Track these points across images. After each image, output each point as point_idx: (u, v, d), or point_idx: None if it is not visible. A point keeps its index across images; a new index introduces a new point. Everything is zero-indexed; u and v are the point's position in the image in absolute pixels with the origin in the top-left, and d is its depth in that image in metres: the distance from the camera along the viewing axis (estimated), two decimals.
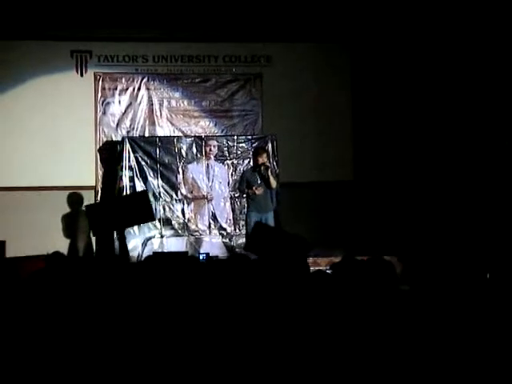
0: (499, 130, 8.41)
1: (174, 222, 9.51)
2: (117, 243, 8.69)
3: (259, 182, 8.76)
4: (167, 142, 9.69)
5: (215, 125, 10.46)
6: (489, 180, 8.40)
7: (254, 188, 8.60)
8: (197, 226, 9.59)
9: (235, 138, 9.91)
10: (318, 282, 3.56)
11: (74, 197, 9.81)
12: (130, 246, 9.23)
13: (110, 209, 8.15)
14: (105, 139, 10.13)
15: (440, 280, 3.90)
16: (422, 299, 3.46)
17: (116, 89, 10.24)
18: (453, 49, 9.01)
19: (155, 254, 8.03)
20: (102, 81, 10.20)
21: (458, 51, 8.92)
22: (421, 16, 9.30)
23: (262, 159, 8.79)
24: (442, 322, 3.18)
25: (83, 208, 9.72)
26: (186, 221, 9.46)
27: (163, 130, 10.27)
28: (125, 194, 9.22)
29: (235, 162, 9.79)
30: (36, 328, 3.12)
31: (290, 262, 4.47)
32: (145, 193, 8.64)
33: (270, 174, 8.74)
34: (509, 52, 8.18)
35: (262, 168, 8.71)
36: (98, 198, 9.93)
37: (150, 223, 9.22)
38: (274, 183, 8.73)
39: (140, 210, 7.97)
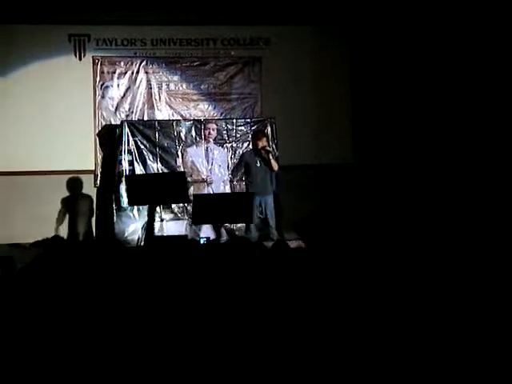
0: (498, 113, 8.40)
1: (173, 206, 9.50)
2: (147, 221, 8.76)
3: (258, 164, 8.79)
4: (166, 126, 9.67)
5: (214, 108, 10.44)
6: (489, 162, 8.40)
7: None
8: None
9: (234, 121, 9.90)
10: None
11: (74, 181, 9.80)
12: (129, 229, 9.26)
13: (149, 183, 8.19)
14: (104, 123, 10.10)
15: (436, 262, 3.90)
16: (417, 283, 3.47)
17: (115, 72, 10.20)
18: (452, 36, 8.99)
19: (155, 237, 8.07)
20: (101, 64, 10.16)
21: (457, 38, 8.90)
22: (422, 2, 9.27)
23: (262, 143, 8.84)
24: (439, 309, 3.18)
25: (83, 192, 9.79)
26: (186, 204, 9.45)
27: (162, 113, 10.24)
28: (164, 171, 9.33)
29: (234, 145, 9.78)
30: (35, 314, 3.11)
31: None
32: (183, 174, 8.68)
33: (270, 156, 8.78)
34: (509, 41, 8.16)
35: (263, 151, 8.76)
36: (98, 183, 9.92)
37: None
38: (275, 166, 8.79)
39: (176, 189, 8.02)
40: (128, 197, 8.64)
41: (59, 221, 9.63)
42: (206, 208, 7.79)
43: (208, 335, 2.97)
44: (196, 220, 8.22)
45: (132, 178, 8.87)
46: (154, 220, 8.50)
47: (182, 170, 9.51)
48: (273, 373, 2.84)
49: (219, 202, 7.96)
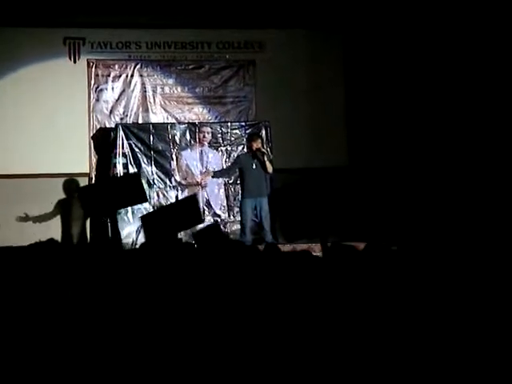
0: (492, 113, 8.42)
1: None
2: (110, 227, 8.72)
3: (254, 166, 8.81)
4: (161, 129, 9.67)
5: (209, 111, 10.44)
6: (483, 164, 8.42)
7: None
8: None
9: (229, 124, 9.91)
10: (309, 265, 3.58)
11: (69, 184, 9.79)
12: (124, 232, 9.23)
13: (103, 190, 8.15)
14: (98, 126, 10.09)
15: (436, 266, 3.91)
16: (418, 286, 3.47)
17: (109, 75, 10.20)
18: (447, 39, 9.01)
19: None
20: (95, 67, 10.16)
21: (452, 40, 8.92)
22: (416, 6, 9.30)
23: (257, 144, 8.87)
24: (438, 308, 3.19)
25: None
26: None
27: (157, 116, 10.24)
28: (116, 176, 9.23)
29: (229, 148, 9.78)
30: (30, 316, 3.11)
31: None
32: (136, 174, 8.66)
33: (265, 158, 8.81)
34: (503, 38, 8.19)
35: (259, 153, 8.78)
36: None
37: (144, 210, 9.22)
38: (270, 168, 8.82)
39: (132, 191, 7.97)
40: (84, 209, 8.57)
41: (54, 224, 9.61)
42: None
43: (199, 337, 2.97)
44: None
45: (83, 189, 8.82)
46: (117, 227, 8.48)
47: (177, 173, 9.52)
48: (266, 374, 2.85)
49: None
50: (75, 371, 2.87)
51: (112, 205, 8.12)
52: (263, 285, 3.38)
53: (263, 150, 8.93)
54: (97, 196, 7.95)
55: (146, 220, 8.19)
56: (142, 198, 8.32)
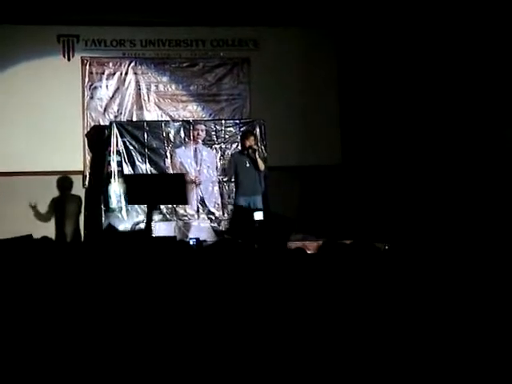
0: (486, 112, 8.44)
1: (162, 207, 9.50)
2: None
3: (247, 165, 8.80)
4: (155, 127, 9.67)
5: (203, 109, 10.45)
6: (476, 162, 8.44)
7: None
8: (185, 210, 9.59)
9: (223, 122, 9.91)
10: (301, 263, 3.59)
11: (63, 181, 9.78)
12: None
13: (148, 183, 8.21)
14: (92, 124, 10.09)
15: (428, 264, 3.92)
16: (410, 284, 3.48)
17: (103, 73, 10.20)
18: (441, 39, 9.02)
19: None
20: (90, 65, 10.15)
21: (446, 41, 8.93)
22: (410, 5, 9.31)
23: (249, 142, 8.86)
24: (432, 308, 3.19)
25: (72, 192, 9.77)
26: (175, 205, 9.45)
27: (151, 114, 10.24)
28: (164, 172, 9.35)
29: (223, 146, 9.79)
30: (22, 315, 3.11)
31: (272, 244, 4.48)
32: (183, 176, 8.69)
33: (257, 156, 8.80)
34: (494, 39, 8.21)
35: (250, 151, 8.78)
36: (86, 183, 9.92)
37: (138, 208, 9.24)
38: (262, 165, 8.79)
39: (175, 191, 8.03)
40: (127, 196, 8.65)
41: (48, 221, 9.61)
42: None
43: (195, 337, 2.97)
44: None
45: (131, 177, 8.84)
46: (151, 220, 8.51)
47: (171, 170, 9.51)
48: (262, 371, 2.86)
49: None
50: (71, 371, 2.87)
51: (154, 199, 8.17)
52: (258, 283, 3.39)
53: (254, 147, 8.92)
54: (142, 187, 8.02)
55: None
56: (183, 200, 8.38)
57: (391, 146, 9.88)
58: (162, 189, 7.83)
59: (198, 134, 9.57)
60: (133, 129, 9.57)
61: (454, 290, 3.39)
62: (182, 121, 9.86)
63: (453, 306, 3.23)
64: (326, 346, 2.94)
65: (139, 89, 10.25)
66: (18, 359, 2.90)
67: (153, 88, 10.31)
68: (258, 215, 8.05)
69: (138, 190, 7.88)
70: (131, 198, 8.34)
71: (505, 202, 7.93)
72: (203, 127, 9.67)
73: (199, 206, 9.62)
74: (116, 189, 9.37)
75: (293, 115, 10.38)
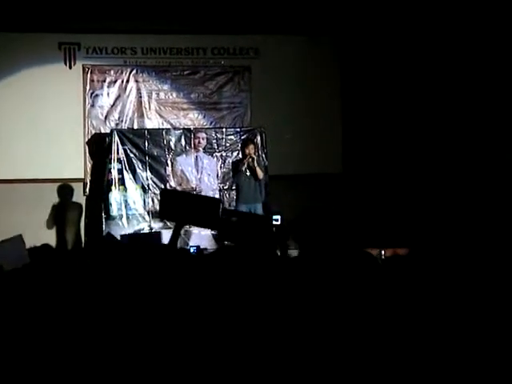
0: (485, 116, 8.45)
1: None
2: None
3: (247, 173, 8.82)
4: (156, 135, 9.68)
5: (204, 117, 10.46)
6: (477, 169, 8.45)
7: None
8: None
9: (224, 130, 9.93)
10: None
11: (64, 189, 9.79)
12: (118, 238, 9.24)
13: (183, 201, 8.20)
14: (93, 131, 10.10)
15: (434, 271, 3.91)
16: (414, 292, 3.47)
17: (105, 81, 10.21)
18: (442, 46, 9.04)
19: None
20: (91, 73, 10.16)
21: (447, 48, 8.95)
22: (409, 7, 9.33)
23: (249, 150, 8.88)
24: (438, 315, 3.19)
25: (73, 200, 9.77)
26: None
27: (152, 122, 10.25)
28: (200, 194, 9.25)
29: (224, 154, 9.81)
30: (23, 323, 3.11)
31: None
32: (219, 202, 8.69)
33: (256, 165, 8.82)
34: (494, 42, 8.22)
35: (250, 160, 8.79)
36: (87, 191, 9.93)
37: (138, 216, 9.24)
38: (260, 174, 8.81)
39: (208, 215, 8.01)
40: (160, 209, 8.63)
41: (48, 229, 9.61)
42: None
43: (196, 345, 2.97)
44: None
45: (167, 192, 8.82)
46: (178, 237, 8.51)
47: (172, 178, 9.52)
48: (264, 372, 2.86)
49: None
50: (72, 376, 2.87)
51: (185, 218, 8.15)
52: (260, 289, 3.39)
53: (252, 155, 8.94)
54: (176, 204, 8.00)
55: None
56: (214, 226, 8.35)
57: (393, 154, 9.89)
58: (196, 210, 7.82)
59: (199, 142, 9.58)
60: (134, 137, 9.58)
61: (459, 295, 3.39)
62: (183, 129, 9.87)
63: (460, 310, 3.22)
64: (334, 354, 2.94)
65: (140, 97, 10.26)
66: (19, 364, 2.90)
67: (154, 96, 10.32)
68: (276, 219, 7.99)
69: (172, 206, 7.85)
70: (163, 212, 8.30)
71: (506, 205, 7.94)
72: (204, 135, 9.69)
73: None
74: (117, 196, 9.39)
75: (294, 123, 10.38)
